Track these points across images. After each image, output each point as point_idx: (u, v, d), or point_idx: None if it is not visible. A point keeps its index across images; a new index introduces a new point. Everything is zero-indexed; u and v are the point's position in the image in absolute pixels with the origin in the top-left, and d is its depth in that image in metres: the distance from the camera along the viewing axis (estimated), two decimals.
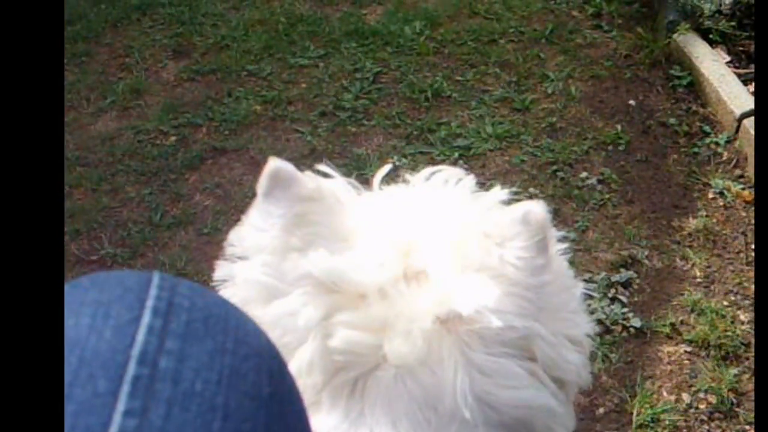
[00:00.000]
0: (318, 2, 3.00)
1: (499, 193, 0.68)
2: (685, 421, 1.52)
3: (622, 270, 1.83)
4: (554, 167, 2.14)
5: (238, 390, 0.40)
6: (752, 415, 1.51)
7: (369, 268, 0.60)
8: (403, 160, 2.18)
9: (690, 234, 1.93)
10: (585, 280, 1.71)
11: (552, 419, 0.62)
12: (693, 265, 1.84)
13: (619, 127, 2.28)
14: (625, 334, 1.69)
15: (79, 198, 2.19)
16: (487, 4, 2.86)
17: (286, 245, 0.63)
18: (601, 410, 1.56)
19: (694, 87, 2.37)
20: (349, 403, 0.59)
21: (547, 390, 0.61)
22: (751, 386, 1.56)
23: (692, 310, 1.73)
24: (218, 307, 0.44)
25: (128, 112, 2.54)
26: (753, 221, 1.93)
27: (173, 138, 2.40)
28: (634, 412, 1.53)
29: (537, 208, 0.58)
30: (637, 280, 1.81)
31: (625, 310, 1.72)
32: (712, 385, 1.56)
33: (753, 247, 1.86)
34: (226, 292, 0.65)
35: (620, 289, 1.78)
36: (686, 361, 1.63)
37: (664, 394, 1.57)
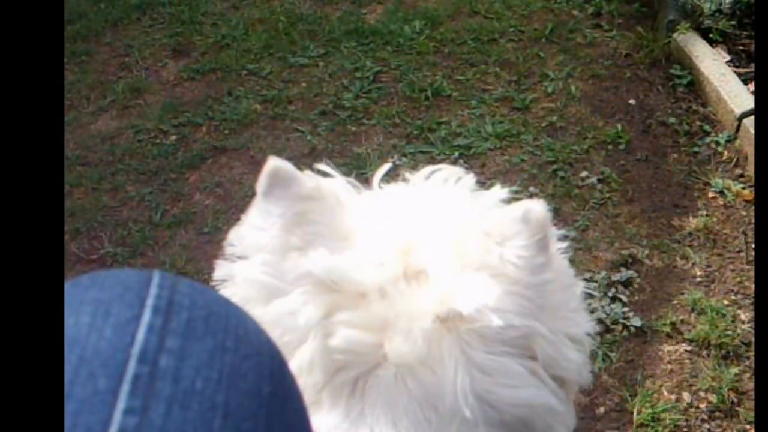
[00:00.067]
0: (318, 1, 3.00)
1: (499, 192, 0.68)
2: (686, 420, 1.52)
3: (622, 269, 1.83)
4: (554, 166, 2.14)
5: (238, 388, 0.40)
6: (753, 414, 1.51)
7: (369, 267, 0.60)
8: (403, 159, 2.18)
9: (690, 233, 1.93)
10: (585, 279, 1.72)
11: (552, 418, 0.62)
12: (693, 264, 1.84)
13: (619, 126, 2.28)
14: (625, 333, 1.69)
15: (79, 197, 2.19)
16: (487, 4, 2.86)
17: (286, 244, 0.63)
18: (602, 409, 1.56)
19: (695, 86, 2.37)
20: (350, 402, 0.59)
21: (548, 389, 0.61)
22: (751, 385, 1.56)
23: (692, 309, 1.73)
24: (219, 305, 0.44)
25: (128, 111, 2.54)
26: (753, 220, 1.93)
27: (173, 137, 2.40)
28: (635, 411, 1.53)
29: (537, 207, 0.58)
30: (638, 279, 1.81)
31: (626, 309, 1.72)
32: (713, 384, 1.56)
33: (753, 246, 1.86)
34: (226, 292, 0.65)
35: (620, 288, 1.78)
36: (687, 361, 1.63)
37: (665, 393, 1.57)
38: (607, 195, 2.05)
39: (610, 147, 2.21)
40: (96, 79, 2.70)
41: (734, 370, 1.58)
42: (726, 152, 2.15)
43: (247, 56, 2.72)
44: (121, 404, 0.36)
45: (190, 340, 0.40)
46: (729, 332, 1.66)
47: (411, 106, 2.42)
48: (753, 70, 2.29)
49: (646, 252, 1.87)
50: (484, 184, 0.70)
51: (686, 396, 1.56)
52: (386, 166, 0.73)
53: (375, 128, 2.34)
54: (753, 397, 1.54)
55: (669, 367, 1.63)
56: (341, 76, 2.58)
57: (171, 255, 1.97)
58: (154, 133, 2.42)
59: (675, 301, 1.75)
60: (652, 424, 1.51)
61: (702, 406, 1.54)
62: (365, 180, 0.72)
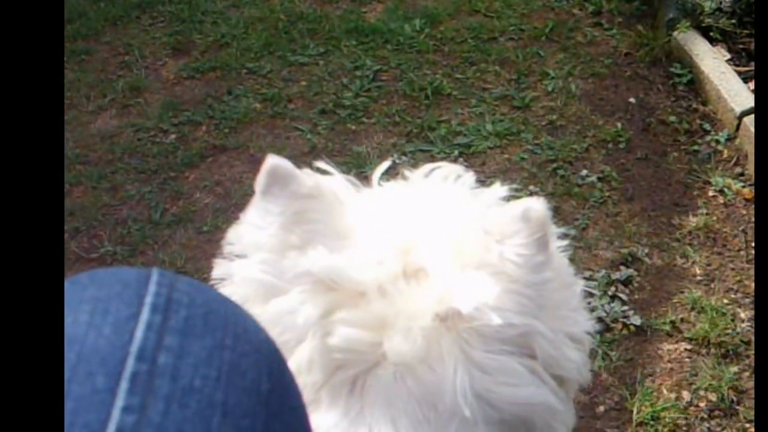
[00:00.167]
0: (318, 0, 3.00)
1: (499, 190, 0.67)
2: (686, 418, 1.52)
3: (622, 268, 1.83)
4: (554, 165, 2.14)
5: (237, 386, 0.40)
6: (752, 413, 1.51)
7: (368, 266, 0.60)
8: (403, 157, 2.18)
9: (690, 232, 1.93)
10: (585, 278, 1.71)
11: (552, 417, 0.62)
12: (693, 262, 1.84)
13: (619, 124, 2.28)
14: (625, 331, 1.69)
15: (78, 196, 2.19)
16: (487, 2, 2.86)
17: (285, 243, 0.63)
18: (602, 408, 1.56)
19: (695, 85, 2.37)
20: (349, 401, 0.59)
21: (547, 387, 0.61)
22: (751, 384, 1.56)
23: (692, 308, 1.73)
24: (217, 303, 0.44)
25: (128, 110, 2.54)
26: (753, 219, 1.93)
27: (173, 136, 2.40)
28: (635, 410, 1.53)
29: (537, 206, 0.58)
30: (638, 278, 1.81)
31: (626, 307, 1.72)
32: (713, 383, 1.56)
33: (753, 244, 1.86)
34: (225, 291, 0.65)
35: (620, 286, 1.78)
36: (686, 359, 1.63)
37: (665, 391, 1.57)
38: (607, 193, 2.05)
39: (610, 145, 2.21)
40: (96, 77, 2.70)
41: (734, 368, 1.58)
42: (726, 151, 2.15)
43: (247, 55, 2.72)
44: (119, 402, 0.36)
45: (189, 337, 0.40)
46: (729, 331, 1.66)
47: (411, 104, 2.42)
48: (753, 68, 2.29)
49: (646, 250, 1.87)
50: (484, 182, 0.70)
51: (686, 395, 1.56)
52: (386, 164, 0.73)
53: (375, 127, 2.34)
54: (753, 396, 1.54)
55: (669, 365, 1.63)
56: (341, 75, 2.58)
57: (171, 254, 1.97)
58: (154, 132, 2.42)
59: (675, 300, 1.75)
60: (651, 422, 1.51)
61: (702, 404, 1.54)
62: (365, 178, 0.72)
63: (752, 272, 1.80)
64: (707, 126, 2.24)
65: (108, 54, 2.83)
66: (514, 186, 0.69)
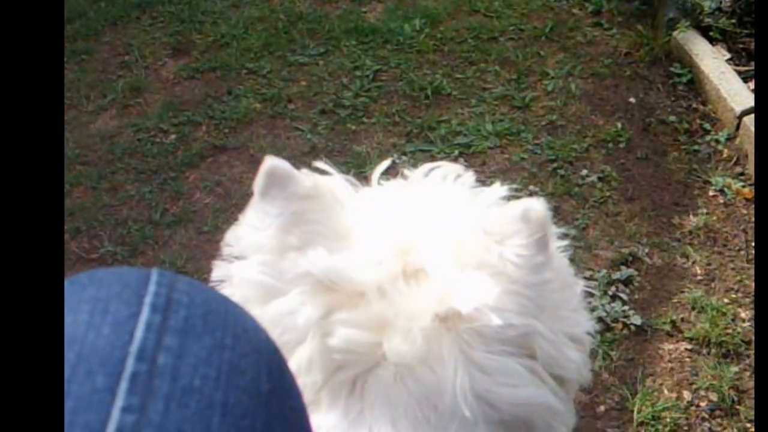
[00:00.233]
0: (318, 0, 3.00)
1: (499, 190, 0.67)
2: (686, 418, 1.52)
3: (622, 267, 1.83)
4: (554, 165, 2.14)
5: (237, 386, 0.40)
6: (753, 412, 1.51)
7: (368, 267, 0.60)
8: (403, 157, 2.18)
9: (690, 231, 1.93)
10: (585, 278, 1.71)
11: (552, 417, 0.62)
12: (693, 262, 1.84)
13: (619, 124, 2.28)
14: (625, 331, 1.69)
15: (79, 196, 2.19)
16: (486, 2, 2.86)
17: (284, 244, 0.63)
18: (602, 408, 1.56)
19: (695, 84, 2.37)
20: (349, 401, 0.59)
21: (548, 388, 0.61)
22: (751, 384, 1.56)
23: (693, 308, 1.73)
24: (217, 303, 0.44)
25: (128, 110, 2.54)
26: (753, 219, 1.93)
27: (173, 136, 2.40)
28: (635, 410, 1.53)
29: (537, 206, 0.58)
30: (638, 278, 1.81)
31: (626, 307, 1.72)
32: (713, 382, 1.56)
33: (753, 244, 1.86)
34: (225, 293, 0.65)
35: (621, 286, 1.78)
36: (687, 359, 1.63)
37: (665, 391, 1.57)
38: (607, 193, 2.05)
39: (610, 145, 2.21)
40: (96, 77, 2.70)
41: (734, 368, 1.58)
42: (726, 150, 2.15)
43: (247, 55, 2.72)
44: (119, 402, 0.36)
45: (189, 337, 0.40)
46: (729, 331, 1.66)
47: (411, 104, 2.42)
48: (753, 68, 2.29)
49: (647, 250, 1.87)
50: (484, 182, 0.70)
51: (687, 394, 1.56)
52: (385, 163, 0.73)
53: (375, 127, 2.34)
54: (753, 396, 1.54)
55: (669, 365, 1.62)
56: (341, 75, 2.58)
57: (171, 254, 1.97)
58: (154, 132, 2.42)
59: (675, 300, 1.75)
60: (652, 422, 1.51)
61: (702, 404, 1.54)
62: (365, 178, 0.72)
63: (752, 272, 1.80)
64: (707, 126, 2.24)
65: (108, 54, 2.83)
66: (514, 186, 0.69)
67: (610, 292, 1.76)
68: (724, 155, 2.14)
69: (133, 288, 0.41)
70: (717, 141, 2.18)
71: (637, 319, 1.69)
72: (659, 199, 2.04)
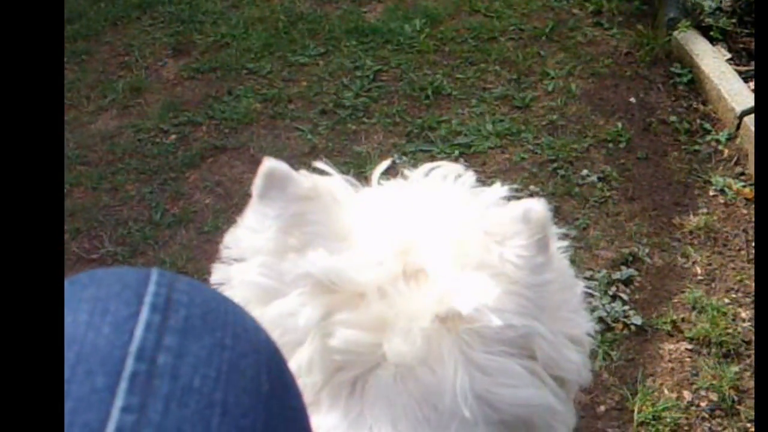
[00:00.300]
0: (318, 0, 3.00)
1: (499, 190, 0.67)
2: (687, 418, 1.52)
3: (623, 267, 1.83)
4: (555, 165, 2.14)
5: (236, 386, 0.40)
6: (753, 412, 1.51)
7: (368, 267, 0.60)
8: (404, 157, 2.17)
9: (691, 231, 1.93)
10: (586, 278, 1.71)
11: (552, 417, 0.62)
12: (694, 262, 1.84)
13: (619, 124, 2.27)
14: (626, 331, 1.69)
15: (79, 196, 2.19)
16: (487, 2, 2.86)
17: (284, 246, 0.63)
18: (602, 408, 1.56)
19: (695, 84, 2.37)
20: (349, 402, 0.59)
21: (548, 388, 0.61)
22: (752, 384, 1.56)
23: (693, 308, 1.73)
24: (217, 302, 0.44)
25: (128, 110, 2.54)
26: (753, 218, 1.93)
27: (173, 136, 2.40)
28: (636, 410, 1.53)
29: (537, 206, 0.58)
30: (638, 278, 1.81)
31: (626, 307, 1.72)
32: (713, 382, 1.56)
33: (754, 244, 1.86)
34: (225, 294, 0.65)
35: (621, 286, 1.78)
36: (687, 359, 1.63)
37: (666, 391, 1.57)
38: (608, 193, 2.05)
39: (610, 145, 2.21)
40: (96, 78, 2.70)
41: (735, 368, 1.58)
42: (726, 150, 2.15)
43: (247, 55, 2.72)
44: (118, 402, 0.36)
45: (188, 337, 0.40)
46: (729, 330, 1.66)
47: (411, 104, 2.42)
48: (753, 68, 2.29)
49: (647, 250, 1.87)
50: (484, 182, 0.69)
51: (687, 394, 1.56)
52: (385, 163, 0.73)
53: (375, 127, 2.34)
54: (753, 396, 1.54)
55: (670, 365, 1.62)
56: (341, 75, 2.58)
57: (171, 254, 1.97)
58: (154, 133, 2.42)
59: (675, 300, 1.75)
60: (652, 422, 1.51)
61: (703, 404, 1.54)
62: (365, 179, 0.72)
63: (753, 272, 1.80)
64: (707, 126, 2.24)
65: (108, 54, 2.83)
66: (515, 186, 0.69)
67: (610, 292, 1.76)
68: (725, 155, 2.14)
69: (133, 288, 0.41)
70: (717, 141, 2.18)
71: (637, 319, 1.69)
72: (659, 199, 2.04)
